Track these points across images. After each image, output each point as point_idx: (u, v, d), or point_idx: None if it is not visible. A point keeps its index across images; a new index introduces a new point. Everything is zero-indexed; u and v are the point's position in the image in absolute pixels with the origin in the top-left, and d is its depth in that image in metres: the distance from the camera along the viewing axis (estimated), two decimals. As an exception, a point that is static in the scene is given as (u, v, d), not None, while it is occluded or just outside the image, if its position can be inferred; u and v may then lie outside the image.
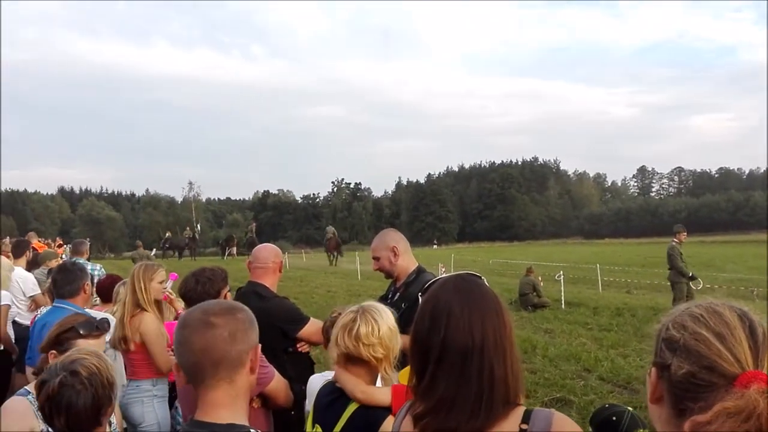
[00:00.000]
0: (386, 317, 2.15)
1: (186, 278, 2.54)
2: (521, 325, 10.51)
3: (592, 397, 6.27)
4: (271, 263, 3.25)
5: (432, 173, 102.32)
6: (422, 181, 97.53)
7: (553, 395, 6.39)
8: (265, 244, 3.96)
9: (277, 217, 78.70)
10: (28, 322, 4.79)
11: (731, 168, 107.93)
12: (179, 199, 74.70)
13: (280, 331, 3.08)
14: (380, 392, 2.11)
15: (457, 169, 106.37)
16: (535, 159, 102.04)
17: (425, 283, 3.04)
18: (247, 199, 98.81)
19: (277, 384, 2.51)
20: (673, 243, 11.28)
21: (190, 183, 72.83)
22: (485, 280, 1.46)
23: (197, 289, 2.48)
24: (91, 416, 1.78)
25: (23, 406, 2.13)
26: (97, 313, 3.38)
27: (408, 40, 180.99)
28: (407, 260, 3.21)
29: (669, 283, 11.51)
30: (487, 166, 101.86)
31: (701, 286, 12.06)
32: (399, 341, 2.17)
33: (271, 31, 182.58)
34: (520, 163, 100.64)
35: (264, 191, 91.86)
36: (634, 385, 6.74)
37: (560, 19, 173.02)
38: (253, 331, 1.47)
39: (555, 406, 5.89)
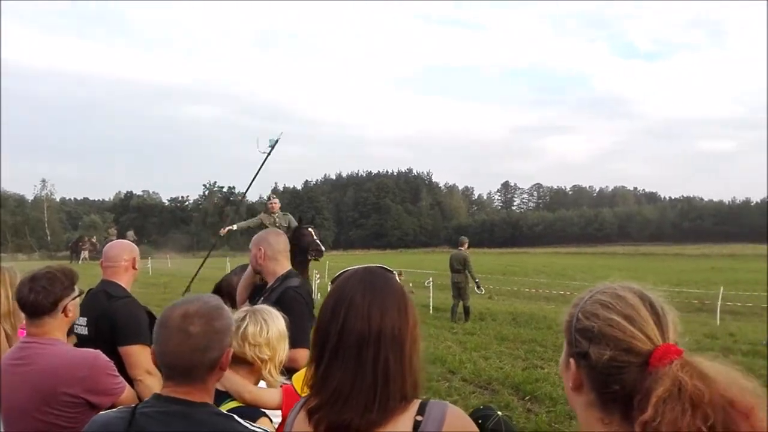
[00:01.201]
0: (277, 321, 2.12)
1: (21, 282, 2.21)
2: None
3: (455, 398, 6.51)
4: (123, 261, 2.96)
5: (309, 180, 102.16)
6: (299, 187, 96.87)
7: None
8: (117, 240, 3.64)
9: (140, 220, 73.62)
10: None
11: (584, 186, 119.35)
12: (30, 197, 67.92)
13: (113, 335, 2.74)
14: (269, 393, 2.06)
15: (334, 177, 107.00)
16: (410, 170, 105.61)
17: (287, 289, 3.00)
18: (107, 199, 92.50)
19: (128, 395, 2.37)
20: (461, 250, 12.51)
21: (43, 181, 67.09)
22: (396, 275, 1.44)
23: (30, 298, 2.16)
24: None
25: None
26: None
27: (290, 45, 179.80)
28: (276, 265, 3.10)
29: (455, 284, 12.32)
30: (364, 175, 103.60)
31: (483, 292, 14.17)
32: (286, 347, 2.13)
33: (140, 26, 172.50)
34: (395, 173, 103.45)
35: (127, 192, 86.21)
36: (494, 386, 7.11)
37: (441, 37, 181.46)
38: (228, 335, 1.54)
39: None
